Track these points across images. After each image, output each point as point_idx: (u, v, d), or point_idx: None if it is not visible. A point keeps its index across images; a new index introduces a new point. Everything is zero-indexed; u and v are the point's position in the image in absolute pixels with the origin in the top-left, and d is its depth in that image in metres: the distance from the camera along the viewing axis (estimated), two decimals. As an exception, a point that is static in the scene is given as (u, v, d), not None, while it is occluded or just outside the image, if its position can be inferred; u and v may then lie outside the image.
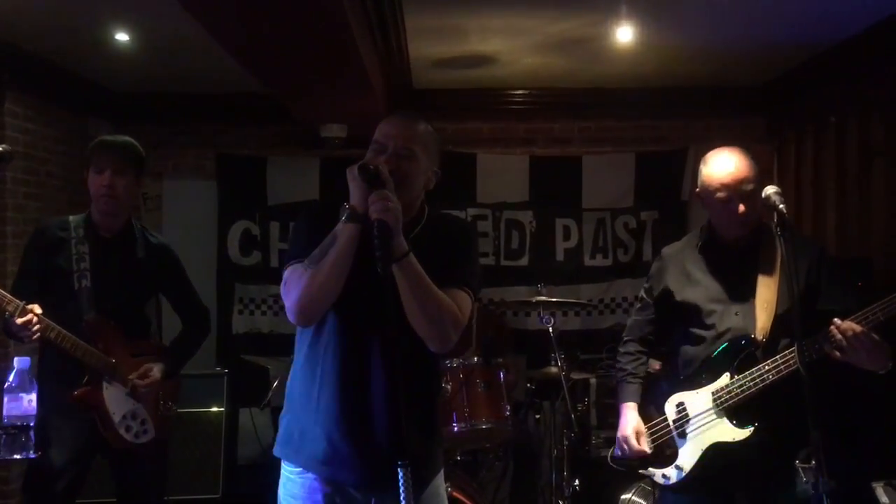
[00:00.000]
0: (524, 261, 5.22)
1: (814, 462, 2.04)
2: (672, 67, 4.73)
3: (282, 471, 2.25)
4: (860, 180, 4.13)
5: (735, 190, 2.65)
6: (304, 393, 2.20)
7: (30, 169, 4.35)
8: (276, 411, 4.02)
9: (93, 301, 3.03)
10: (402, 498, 1.88)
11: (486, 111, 5.37)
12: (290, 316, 2.10)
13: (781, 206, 2.38)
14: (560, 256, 5.23)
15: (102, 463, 3.12)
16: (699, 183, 2.78)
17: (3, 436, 2.04)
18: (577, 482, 3.87)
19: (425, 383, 2.23)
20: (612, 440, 4.45)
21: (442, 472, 2.30)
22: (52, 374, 3.04)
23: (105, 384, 3.03)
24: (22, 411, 2.08)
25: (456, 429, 3.69)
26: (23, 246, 3.53)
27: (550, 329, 3.87)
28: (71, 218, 3.15)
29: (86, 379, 2.99)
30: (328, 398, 2.14)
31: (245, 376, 4.61)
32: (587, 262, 5.22)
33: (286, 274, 2.12)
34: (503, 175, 5.24)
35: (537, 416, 4.28)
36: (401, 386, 1.93)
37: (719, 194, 2.68)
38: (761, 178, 2.78)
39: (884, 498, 2.92)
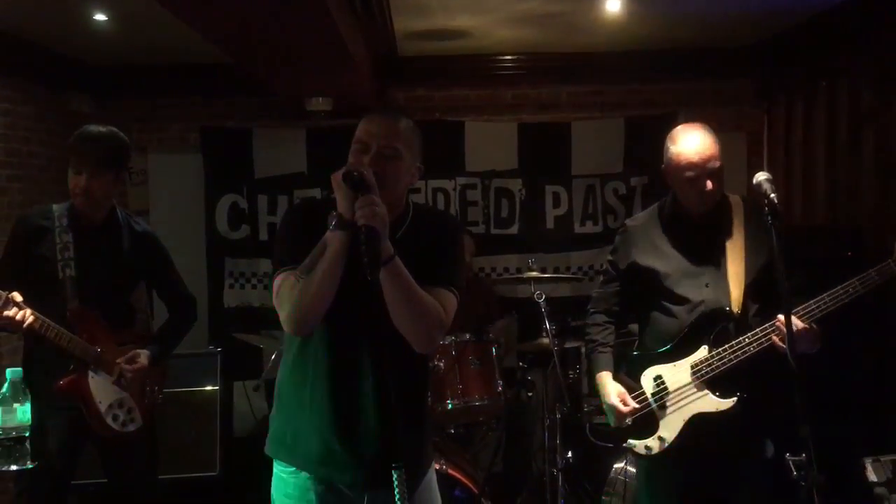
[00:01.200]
0: (514, 229, 5.21)
1: (804, 455, 2.07)
2: (660, 30, 4.66)
3: (274, 470, 2.27)
4: (850, 147, 4.11)
5: (703, 168, 2.70)
6: (295, 394, 2.22)
7: (11, 150, 4.28)
8: (270, 386, 4.06)
9: (76, 290, 3.01)
10: (396, 499, 1.91)
11: (473, 78, 5.30)
12: (286, 327, 2.09)
13: (773, 195, 2.39)
14: (550, 224, 5.21)
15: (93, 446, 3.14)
16: (665, 159, 2.81)
17: None
18: (570, 454, 3.91)
19: (414, 381, 2.24)
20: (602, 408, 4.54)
21: (433, 465, 2.34)
22: (36, 363, 3.04)
23: (91, 373, 3.03)
24: (16, 422, 2.07)
25: (450, 405, 3.72)
26: (7, 231, 3.53)
27: (542, 304, 3.87)
28: (54, 207, 3.11)
29: (70, 368, 2.99)
30: (320, 400, 2.15)
31: (238, 354, 4.61)
32: (577, 229, 5.21)
33: (277, 283, 2.11)
34: (492, 143, 5.19)
35: (530, 395, 4.31)
36: (391, 389, 1.95)
37: (688, 173, 2.72)
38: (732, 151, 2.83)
39: (873, 476, 2.98)
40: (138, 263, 3.23)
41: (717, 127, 5.18)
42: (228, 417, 4.65)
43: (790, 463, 2.16)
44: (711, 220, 2.78)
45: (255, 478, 3.07)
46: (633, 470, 3.87)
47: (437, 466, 3.31)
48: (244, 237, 5.19)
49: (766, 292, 2.57)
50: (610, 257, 3.03)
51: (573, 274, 5.20)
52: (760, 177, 2.52)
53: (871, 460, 3.01)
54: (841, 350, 2.65)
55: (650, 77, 5.28)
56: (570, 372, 4.60)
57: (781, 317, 2.56)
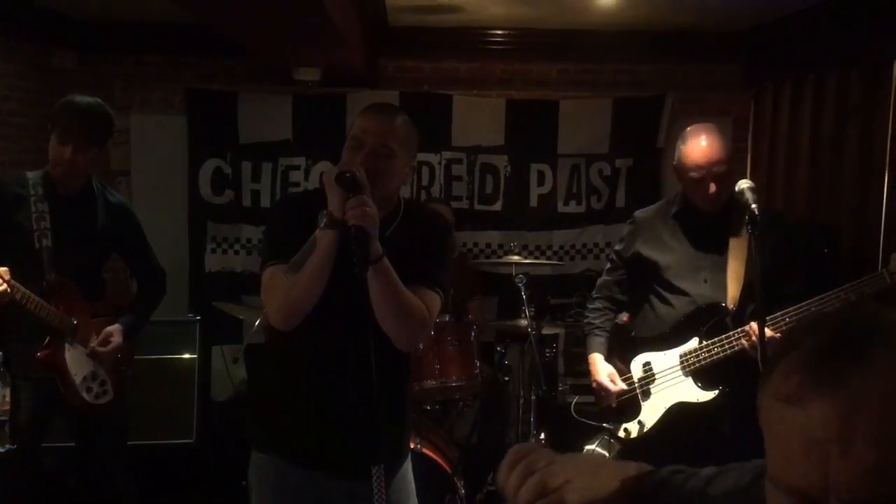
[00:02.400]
0: (498, 206, 5.21)
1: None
2: (655, 12, 4.63)
3: (252, 456, 2.31)
4: (833, 142, 4.13)
5: (707, 170, 2.78)
6: (276, 383, 2.27)
7: (-9, 109, 4.21)
8: (250, 352, 4.08)
9: (53, 261, 3.01)
10: (374, 498, 1.95)
11: (464, 51, 5.24)
12: (274, 321, 2.13)
13: (753, 205, 2.44)
14: (534, 202, 5.21)
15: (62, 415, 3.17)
16: (675, 157, 2.92)
17: (-22, 431, 2.05)
18: (542, 436, 3.98)
19: (396, 375, 2.28)
20: (578, 387, 4.62)
21: (409, 457, 2.39)
22: (13, 332, 3.05)
23: (67, 346, 3.04)
24: (-6, 407, 2.09)
25: (427, 385, 3.77)
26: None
27: (522, 288, 3.90)
28: (29, 174, 3.09)
29: (47, 340, 3.00)
30: (303, 391, 2.19)
31: (217, 320, 4.61)
32: (560, 208, 5.21)
33: (266, 276, 2.14)
34: (479, 118, 5.16)
35: (507, 378, 4.36)
36: (374, 383, 1.97)
37: (692, 174, 2.81)
38: (734, 155, 2.92)
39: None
40: (113, 234, 3.23)
41: (703, 110, 5.28)
42: (206, 382, 4.68)
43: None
44: (718, 217, 2.87)
45: (231, 445, 3.12)
46: (604, 451, 3.95)
47: (413, 445, 3.36)
48: (227, 202, 5.16)
49: (768, 291, 2.62)
50: (617, 246, 3.15)
51: (555, 252, 5.22)
52: (743, 184, 2.57)
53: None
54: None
55: (640, 58, 5.25)
56: (547, 350, 4.67)
57: (753, 324, 2.63)
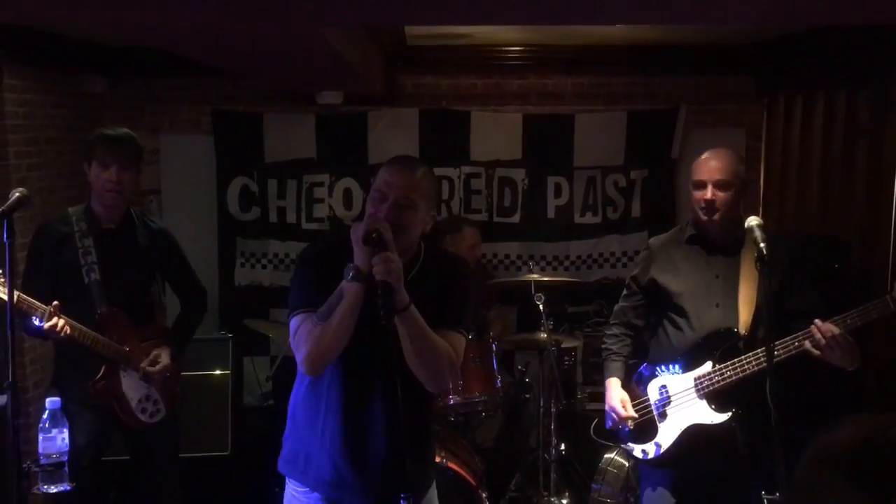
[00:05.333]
0: (516, 218, 5.35)
1: (777, 494, 2.27)
2: (666, 26, 4.72)
3: (286, 487, 2.49)
4: (844, 158, 4.22)
5: (707, 177, 2.89)
6: (308, 420, 2.42)
7: (30, 139, 4.37)
8: (284, 364, 4.21)
9: (103, 293, 3.18)
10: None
11: (481, 67, 5.36)
12: (302, 367, 2.29)
13: (763, 244, 2.55)
14: (551, 214, 5.35)
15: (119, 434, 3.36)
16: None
17: (41, 472, 2.24)
18: (563, 447, 4.13)
19: (421, 413, 2.43)
20: (595, 395, 4.75)
21: (434, 483, 2.55)
22: (69, 363, 3.24)
23: (122, 373, 3.23)
24: (56, 449, 2.27)
25: (452, 401, 3.93)
26: (30, 220, 3.69)
27: (541, 306, 4.05)
28: (70, 210, 3.27)
29: (103, 371, 3.18)
30: (332, 428, 2.35)
31: (247, 335, 4.81)
32: (577, 219, 5.35)
33: (294, 324, 2.29)
34: (496, 133, 5.29)
35: (527, 396, 4.51)
36: (401, 422, 2.15)
37: (694, 178, 2.95)
38: (744, 179, 2.97)
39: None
40: (155, 261, 3.41)
41: (717, 121, 5.37)
42: (238, 392, 4.89)
43: (765, 502, 2.36)
44: (728, 243, 2.96)
45: (264, 454, 3.30)
46: (622, 460, 4.11)
47: (438, 459, 3.53)
48: (255, 219, 5.34)
49: (777, 314, 2.71)
50: (634, 272, 3.23)
51: (572, 262, 5.37)
52: (752, 221, 2.68)
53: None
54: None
55: (654, 70, 5.36)
56: (566, 358, 4.81)
57: (818, 321, 2.73)
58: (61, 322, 2.95)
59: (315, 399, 2.39)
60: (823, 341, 2.71)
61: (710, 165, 2.90)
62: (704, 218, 2.92)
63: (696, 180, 2.92)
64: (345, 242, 2.23)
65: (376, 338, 2.10)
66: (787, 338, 2.78)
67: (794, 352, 2.78)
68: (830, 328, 2.71)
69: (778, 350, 2.72)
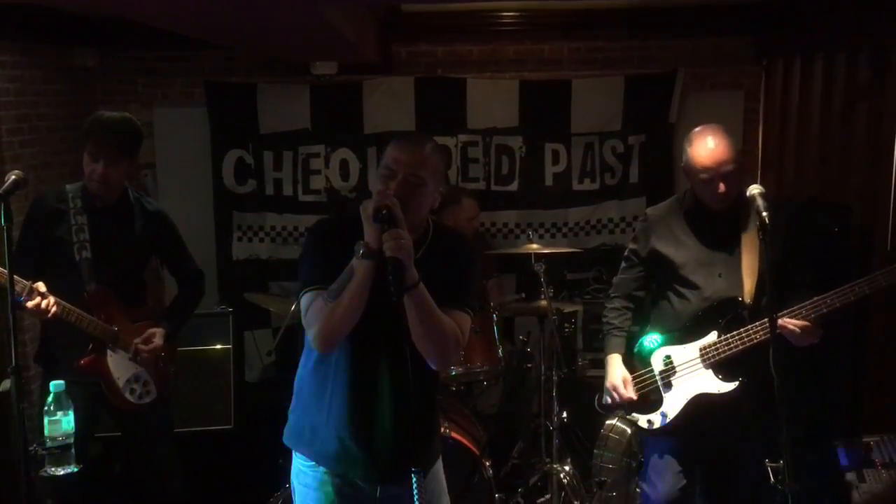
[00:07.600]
0: (514, 186, 5.32)
1: (781, 462, 2.28)
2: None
3: (293, 460, 2.51)
4: (843, 121, 4.20)
5: (716, 171, 2.87)
6: (314, 395, 2.43)
7: (22, 116, 4.33)
8: (287, 333, 4.21)
9: (93, 272, 3.17)
10: (416, 500, 2.14)
11: (476, 33, 5.29)
12: (314, 344, 2.29)
13: (765, 213, 2.53)
14: (549, 181, 5.32)
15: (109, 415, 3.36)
16: (683, 160, 3.00)
17: (47, 455, 2.24)
18: (564, 414, 4.16)
19: (427, 388, 2.46)
20: (596, 361, 4.76)
21: (440, 458, 2.56)
22: (56, 340, 3.23)
23: (109, 352, 3.22)
24: (61, 431, 2.27)
25: (453, 372, 3.94)
26: (25, 198, 3.64)
27: (541, 274, 4.04)
28: (67, 187, 3.23)
29: (90, 347, 3.17)
30: (339, 404, 2.36)
31: (247, 308, 4.81)
32: (575, 186, 5.31)
33: (304, 302, 2.29)
34: (493, 100, 5.24)
35: (529, 366, 4.52)
36: (408, 399, 2.16)
37: (702, 175, 2.91)
38: (741, 156, 2.99)
39: (844, 461, 3.18)
40: (151, 242, 3.39)
41: (715, 84, 5.32)
42: (241, 370, 4.90)
43: (769, 469, 2.38)
44: (729, 213, 2.95)
45: (266, 428, 3.32)
46: (624, 426, 4.13)
47: (442, 430, 3.54)
48: (251, 191, 5.30)
49: (780, 283, 2.72)
50: (631, 245, 3.21)
51: (570, 229, 5.35)
52: (754, 190, 2.65)
53: (843, 446, 3.23)
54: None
55: (650, 34, 5.30)
56: (566, 325, 4.82)
57: (787, 319, 2.78)
58: (45, 302, 2.92)
59: (322, 374, 2.40)
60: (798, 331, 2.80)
61: (716, 158, 2.85)
62: (720, 206, 2.92)
63: (704, 177, 2.88)
64: (355, 219, 2.22)
65: (385, 315, 2.13)
66: (794, 307, 2.80)
67: (755, 341, 2.86)
68: (796, 323, 2.79)
69: (756, 333, 2.83)
